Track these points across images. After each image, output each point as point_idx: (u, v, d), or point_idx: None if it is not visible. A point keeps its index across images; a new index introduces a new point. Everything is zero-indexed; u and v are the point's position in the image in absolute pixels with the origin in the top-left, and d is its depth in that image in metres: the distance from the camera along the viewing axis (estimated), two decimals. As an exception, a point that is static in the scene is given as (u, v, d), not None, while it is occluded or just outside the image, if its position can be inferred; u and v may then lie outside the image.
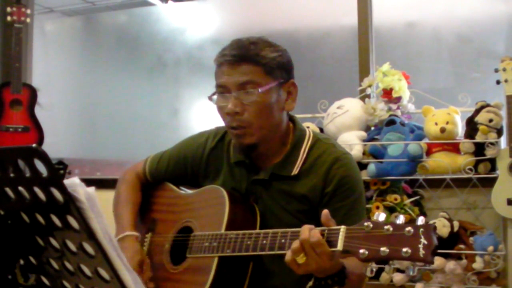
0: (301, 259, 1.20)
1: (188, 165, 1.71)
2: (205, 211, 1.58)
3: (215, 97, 1.52)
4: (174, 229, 1.62)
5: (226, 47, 1.50)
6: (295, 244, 1.21)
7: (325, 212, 1.23)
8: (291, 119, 1.62)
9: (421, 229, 1.07)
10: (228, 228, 1.45)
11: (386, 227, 1.10)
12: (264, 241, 1.34)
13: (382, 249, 1.09)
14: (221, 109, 1.51)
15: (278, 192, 1.54)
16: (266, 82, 1.46)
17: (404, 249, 1.06)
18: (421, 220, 1.09)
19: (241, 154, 1.57)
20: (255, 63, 1.45)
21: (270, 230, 1.35)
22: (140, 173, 1.80)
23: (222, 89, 1.49)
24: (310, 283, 1.28)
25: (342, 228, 1.18)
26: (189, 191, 1.70)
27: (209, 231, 1.48)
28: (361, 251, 1.11)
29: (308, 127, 1.64)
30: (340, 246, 1.16)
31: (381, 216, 1.13)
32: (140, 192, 1.78)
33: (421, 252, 1.05)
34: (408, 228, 1.08)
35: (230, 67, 1.46)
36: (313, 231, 1.19)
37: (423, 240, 1.06)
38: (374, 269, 1.14)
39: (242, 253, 1.37)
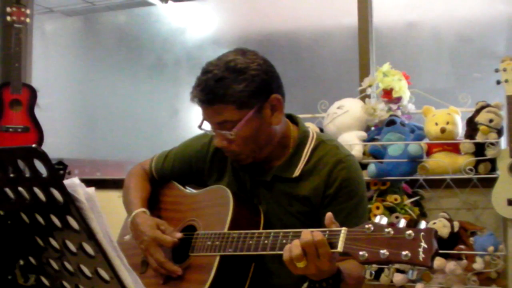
0: (302, 264, 1.20)
1: (193, 164, 1.72)
2: (209, 210, 1.58)
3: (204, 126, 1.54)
4: (178, 227, 1.62)
5: (195, 85, 1.47)
6: (296, 250, 1.19)
7: (329, 214, 1.22)
8: (294, 120, 1.62)
9: (422, 233, 1.07)
10: (231, 227, 1.45)
11: (387, 230, 1.10)
12: (266, 241, 1.33)
13: (382, 251, 1.08)
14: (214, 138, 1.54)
15: (280, 193, 1.54)
16: (241, 116, 1.44)
17: (404, 253, 1.06)
18: (422, 224, 1.09)
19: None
20: (225, 103, 1.44)
21: (272, 230, 1.35)
22: (147, 170, 1.82)
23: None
24: (305, 286, 1.27)
25: (343, 229, 1.18)
26: (195, 191, 1.72)
27: (213, 230, 1.48)
28: (361, 253, 1.11)
29: (308, 127, 1.64)
30: (340, 247, 1.16)
31: (383, 220, 1.13)
32: (149, 183, 1.80)
33: (421, 256, 1.05)
34: (409, 232, 1.07)
35: (204, 107, 1.47)
36: (314, 232, 1.19)
37: (423, 244, 1.06)
38: (373, 272, 1.14)
39: (244, 252, 1.37)
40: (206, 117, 1.50)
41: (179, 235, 1.54)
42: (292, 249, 1.20)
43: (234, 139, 1.47)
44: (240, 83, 1.42)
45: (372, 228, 1.12)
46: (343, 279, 1.27)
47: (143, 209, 1.65)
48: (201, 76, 1.47)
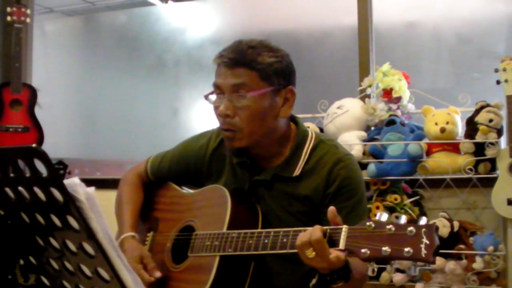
0: (310, 253, 1.19)
1: (191, 165, 1.71)
2: (207, 210, 1.58)
3: (211, 96, 1.52)
4: (176, 228, 1.62)
5: (226, 48, 1.50)
6: (305, 237, 1.20)
7: (332, 208, 1.22)
8: (294, 119, 1.62)
9: (423, 229, 1.07)
10: (230, 227, 1.45)
11: (388, 226, 1.10)
12: (266, 240, 1.34)
13: (384, 248, 1.08)
14: (215, 110, 1.52)
15: (280, 193, 1.54)
16: (259, 87, 1.45)
17: (406, 249, 1.06)
18: (423, 220, 1.09)
19: (232, 156, 1.58)
20: (251, 68, 1.45)
21: (272, 230, 1.35)
22: (142, 173, 1.81)
23: (217, 90, 1.50)
24: (314, 281, 1.27)
25: (344, 227, 1.18)
26: (192, 191, 1.71)
27: (211, 230, 1.48)
28: (363, 250, 1.11)
29: (308, 127, 1.64)
30: (342, 245, 1.16)
31: (383, 216, 1.13)
32: (142, 192, 1.79)
33: (423, 252, 1.05)
34: (410, 228, 1.08)
35: (226, 69, 1.47)
36: (313, 230, 1.19)
37: (425, 240, 1.06)
38: (376, 269, 1.14)
39: (244, 252, 1.37)
40: (223, 79, 1.47)
41: (158, 274, 1.52)
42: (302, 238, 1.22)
43: (243, 106, 1.45)
44: (271, 57, 1.47)
45: (373, 225, 1.12)
46: (351, 270, 1.26)
47: (132, 234, 1.63)
48: (233, 43, 1.50)
